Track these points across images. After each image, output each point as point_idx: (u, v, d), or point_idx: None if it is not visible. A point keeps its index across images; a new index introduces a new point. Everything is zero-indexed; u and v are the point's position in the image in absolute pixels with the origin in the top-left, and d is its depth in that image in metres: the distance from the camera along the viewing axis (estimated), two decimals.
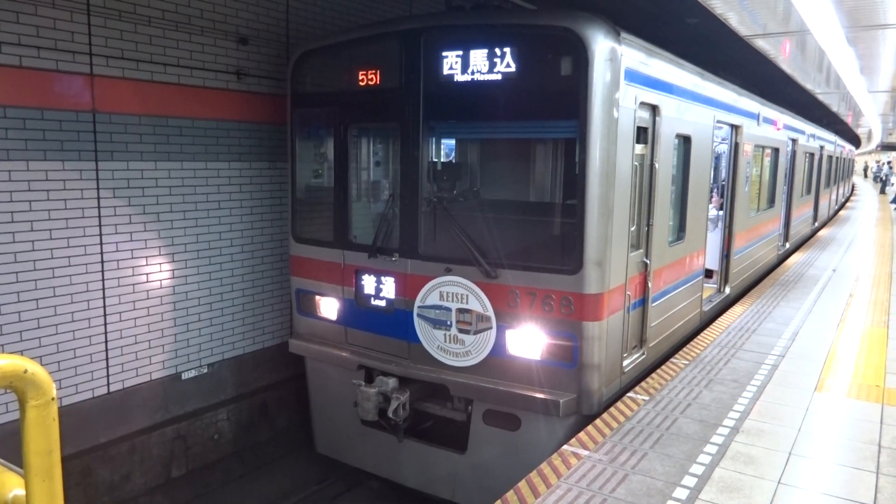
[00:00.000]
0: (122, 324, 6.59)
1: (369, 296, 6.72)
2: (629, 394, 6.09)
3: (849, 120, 26.24)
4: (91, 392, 6.39)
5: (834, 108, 21.17)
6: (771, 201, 13.26)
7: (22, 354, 5.79)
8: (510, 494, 4.33)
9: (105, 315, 6.43)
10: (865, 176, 72.15)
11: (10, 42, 5.51)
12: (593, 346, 5.67)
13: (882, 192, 42.06)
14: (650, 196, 6.62)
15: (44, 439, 1.60)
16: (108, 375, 6.51)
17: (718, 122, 8.67)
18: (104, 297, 6.40)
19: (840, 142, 27.02)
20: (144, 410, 6.88)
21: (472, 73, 5.86)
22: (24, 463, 1.61)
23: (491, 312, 5.95)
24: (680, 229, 7.77)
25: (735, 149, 9.85)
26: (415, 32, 6.18)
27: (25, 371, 1.55)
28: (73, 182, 6.04)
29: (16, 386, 1.54)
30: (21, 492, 1.67)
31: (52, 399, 1.61)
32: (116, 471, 6.62)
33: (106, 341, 6.46)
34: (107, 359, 6.48)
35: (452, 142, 8.00)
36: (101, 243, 6.32)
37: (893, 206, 30.27)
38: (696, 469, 4.64)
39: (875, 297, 10.51)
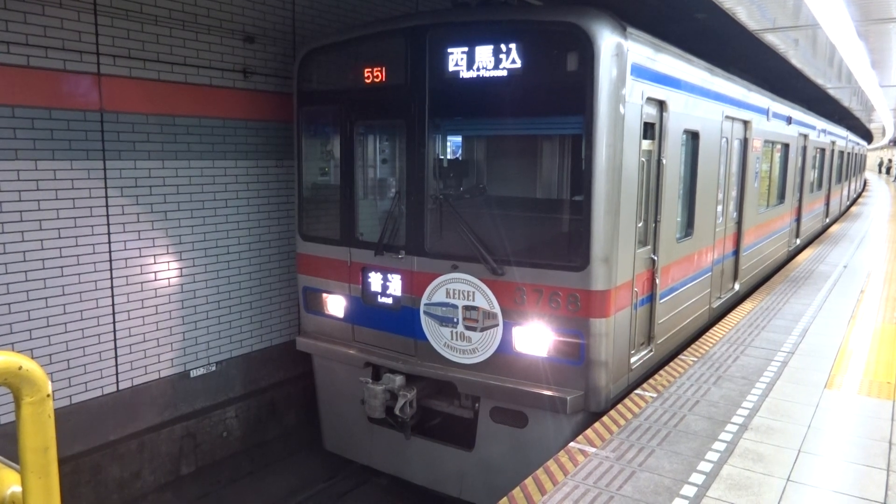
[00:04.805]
0: (131, 322, 6.62)
1: (376, 293, 6.72)
2: (637, 391, 6.06)
3: (861, 115, 25.99)
4: (100, 390, 6.43)
5: (845, 103, 20.98)
6: (781, 197, 13.16)
7: (31, 353, 5.86)
8: (517, 492, 4.32)
9: (114, 313, 6.46)
10: (880, 172, 71.55)
11: (18, 42, 5.54)
12: (600, 343, 5.64)
13: None
14: (657, 192, 6.58)
15: (39, 436, 1.60)
16: (117, 373, 6.55)
17: (727, 117, 8.61)
18: (113, 296, 6.43)
19: (852, 137, 26.80)
20: (153, 408, 6.92)
21: (478, 69, 5.84)
22: (21, 460, 1.61)
23: (497, 309, 5.93)
24: (688, 225, 7.72)
25: (744, 144, 9.78)
26: (420, 29, 6.16)
27: (20, 368, 1.55)
28: (81, 181, 6.07)
29: (10, 383, 1.54)
30: (18, 488, 1.67)
31: (48, 396, 1.61)
32: (126, 468, 6.66)
33: (115, 339, 6.50)
34: (116, 357, 6.52)
35: (458, 139, 7.98)
36: (110, 242, 6.35)
37: None
38: (705, 466, 4.61)
39: (887, 293, 10.41)
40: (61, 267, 6.01)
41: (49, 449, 1.62)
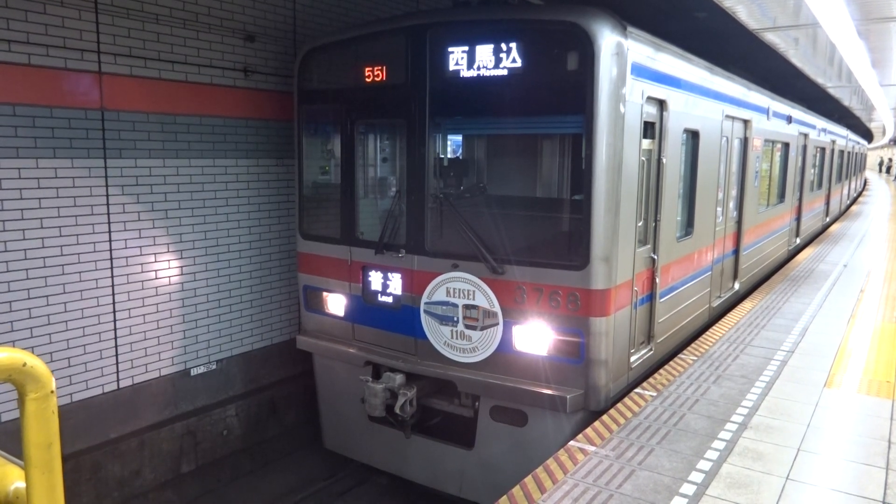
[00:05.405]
0: (131, 320, 6.63)
1: (376, 292, 6.73)
2: (636, 390, 6.07)
3: (861, 114, 26.00)
4: (101, 388, 6.44)
5: (845, 103, 20.98)
6: (781, 196, 13.17)
7: (32, 350, 5.86)
8: (516, 490, 4.33)
9: (114, 311, 6.47)
10: (880, 171, 71.61)
11: (19, 40, 5.55)
12: (600, 342, 5.65)
13: None
14: (658, 191, 6.59)
15: (43, 432, 1.61)
16: (117, 371, 6.56)
17: (727, 116, 8.62)
18: (113, 294, 6.44)
19: (852, 136, 26.80)
20: (154, 406, 6.93)
21: (478, 68, 5.85)
22: (24, 456, 1.62)
23: (497, 308, 5.94)
24: (688, 224, 7.73)
25: (745, 144, 9.79)
26: (421, 28, 6.17)
27: (24, 364, 1.56)
28: (81, 179, 6.08)
29: (15, 379, 1.55)
30: (22, 484, 1.68)
31: (52, 392, 1.62)
32: (126, 466, 6.67)
33: (115, 338, 6.50)
34: (116, 355, 6.53)
35: (459, 138, 7.99)
36: (110, 240, 6.36)
37: None
38: (704, 465, 4.62)
39: (887, 292, 10.41)
40: (62, 265, 6.02)
41: (53, 445, 1.63)
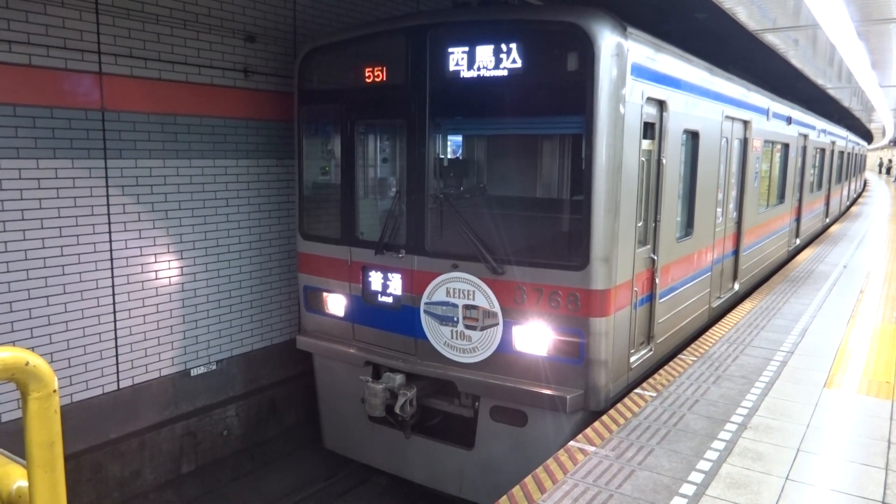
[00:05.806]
0: (132, 321, 6.63)
1: (376, 292, 6.74)
2: (636, 390, 6.08)
3: (861, 115, 26.01)
4: (101, 388, 6.44)
5: (845, 104, 21.00)
6: (781, 197, 13.18)
7: (33, 351, 5.86)
8: (516, 490, 4.33)
9: (114, 312, 6.47)
10: (880, 172, 71.67)
11: (20, 41, 5.55)
12: (600, 343, 5.66)
13: None
14: (657, 192, 6.60)
15: (45, 431, 1.62)
16: (117, 372, 6.56)
17: (727, 117, 8.62)
18: (113, 294, 6.44)
19: (852, 137, 26.82)
20: (154, 407, 6.93)
21: (478, 69, 5.85)
22: (27, 454, 1.63)
23: (497, 309, 5.95)
24: (688, 225, 7.73)
25: (744, 144, 9.80)
26: (421, 29, 6.18)
27: (27, 363, 1.56)
28: (82, 180, 6.08)
29: (18, 378, 1.56)
30: (24, 483, 1.69)
31: (54, 391, 1.63)
32: (127, 466, 6.67)
33: (115, 338, 6.51)
34: (116, 355, 6.53)
35: (459, 138, 8.00)
36: (111, 240, 6.36)
37: None
38: (704, 465, 4.63)
39: (887, 293, 10.42)
40: (62, 265, 6.02)
41: (55, 444, 1.64)
